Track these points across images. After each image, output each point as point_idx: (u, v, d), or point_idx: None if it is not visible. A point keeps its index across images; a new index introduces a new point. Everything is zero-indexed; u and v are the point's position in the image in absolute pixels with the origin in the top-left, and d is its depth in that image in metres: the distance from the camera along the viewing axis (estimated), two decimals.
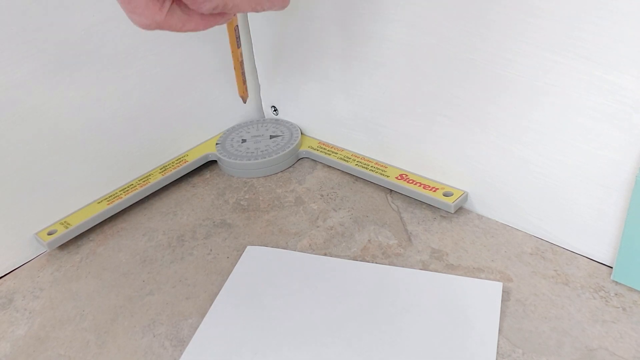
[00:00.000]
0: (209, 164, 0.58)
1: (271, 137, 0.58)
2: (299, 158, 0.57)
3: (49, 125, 0.47)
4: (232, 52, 0.50)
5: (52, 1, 0.44)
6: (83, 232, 0.50)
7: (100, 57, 0.48)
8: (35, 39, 0.44)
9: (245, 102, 0.53)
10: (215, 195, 0.54)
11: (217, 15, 0.33)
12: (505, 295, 0.41)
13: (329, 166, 0.56)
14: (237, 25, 0.49)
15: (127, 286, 0.45)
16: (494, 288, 0.41)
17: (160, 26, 0.31)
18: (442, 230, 0.47)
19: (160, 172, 0.54)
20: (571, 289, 0.41)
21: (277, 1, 0.34)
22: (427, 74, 0.46)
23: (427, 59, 0.45)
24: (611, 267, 0.42)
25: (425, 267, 0.44)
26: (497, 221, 0.47)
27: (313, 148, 0.57)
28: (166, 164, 0.55)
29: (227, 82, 0.58)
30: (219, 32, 0.56)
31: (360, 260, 0.45)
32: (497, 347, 0.37)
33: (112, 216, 0.51)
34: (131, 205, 0.52)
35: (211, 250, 0.47)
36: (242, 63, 0.51)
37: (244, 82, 0.52)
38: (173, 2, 0.31)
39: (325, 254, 0.46)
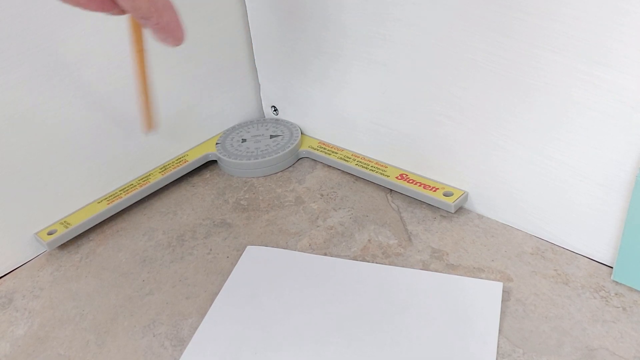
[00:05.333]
0: (209, 164, 0.58)
1: (271, 136, 0.58)
2: (299, 158, 0.57)
3: (49, 125, 0.47)
4: (139, 67, 0.38)
5: (52, 1, 0.44)
6: (83, 232, 0.50)
7: (99, 57, 0.48)
8: (35, 39, 0.44)
9: (152, 132, 0.41)
10: (215, 195, 0.54)
11: (114, 4, 0.31)
12: (506, 295, 0.41)
13: (329, 166, 0.56)
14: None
15: (127, 286, 0.45)
16: (494, 288, 0.41)
17: None
18: (442, 230, 0.47)
19: (160, 172, 0.54)
20: (571, 288, 0.41)
21: (173, 26, 0.32)
22: (427, 74, 0.46)
23: (427, 59, 0.45)
24: (611, 267, 0.42)
25: (425, 267, 0.44)
26: (497, 221, 0.47)
27: (313, 148, 0.57)
28: (166, 164, 0.55)
29: (227, 82, 0.58)
30: (219, 32, 0.56)
31: (360, 260, 0.45)
32: (497, 347, 0.37)
33: (112, 216, 0.51)
34: (131, 205, 0.52)
35: (211, 250, 0.47)
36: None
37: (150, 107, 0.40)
38: None
39: (325, 254, 0.46)
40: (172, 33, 0.32)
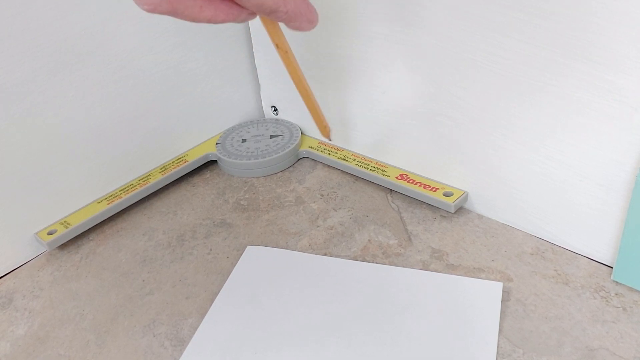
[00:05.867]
0: (209, 164, 0.58)
1: (271, 137, 0.58)
2: (299, 158, 0.57)
3: (49, 125, 0.47)
4: (297, 83, 0.36)
5: (52, 1, 0.44)
6: (83, 232, 0.50)
7: (100, 57, 0.48)
8: (35, 38, 0.44)
9: (330, 138, 0.41)
10: (215, 195, 0.54)
11: (241, 9, 0.29)
12: (506, 295, 0.41)
13: (329, 166, 0.56)
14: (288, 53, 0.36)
15: (127, 286, 0.45)
16: (494, 288, 0.41)
17: (172, 8, 0.26)
18: (442, 230, 0.47)
19: (160, 172, 0.54)
20: (571, 288, 0.41)
21: (302, 9, 0.30)
22: (427, 74, 0.46)
23: (427, 59, 0.45)
24: (611, 267, 0.42)
25: (425, 267, 0.44)
26: (497, 221, 0.47)
27: (313, 148, 0.57)
28: (166, 164, 0.55)
29: (227, 82, 0.58)
30: (219, 31, 0.56)
31: (360, 260, 0.45)
32: (497, 347, 0.37)
33: (112, 216, 0.51)
34: (131, 205, 0.52)
35: (211, 250, 0.47)
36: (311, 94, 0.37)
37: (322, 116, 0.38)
38: None
39: (325, 254, 0.46)
40: (304, 17, 0.31)
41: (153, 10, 0.26)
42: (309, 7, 0.31)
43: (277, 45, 0.35)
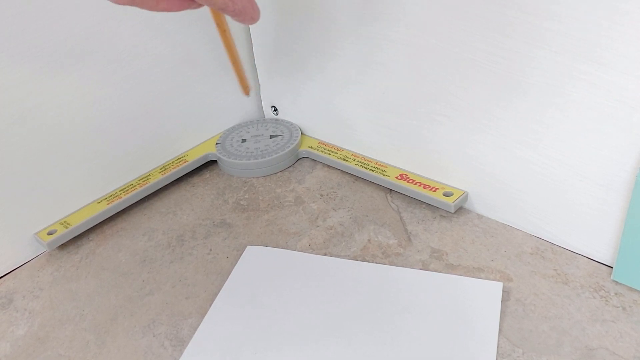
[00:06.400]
0: (209, 164, 0.58)
1: (271, 136, 0.58)
2: (299, 158, 0.57)
3: (49, 125, 0.47)
4: (227, 46, 0.44)
5: (52, 1, 0.44)
6: (83, 232, 0.50)
7: (100, 57, 0.48)
8: (35, 39, 0.44)
9: (248, 95, 0.50)
10: (215, 195, 0.54)
11: (192, 1, 0.33)
12: (505, 295, 0.41)
13: (329, 166, 0.56)
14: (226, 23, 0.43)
15: (126, 286, 0.45)
16: (494, 288, 0.41)
17: (131, 1, 0.31)
18: (442, 230, 0.47)
19: (160, 172, 0.54)
20: (571, 288, 0.41)
21: (248, 9, 0.34)
22: (427, 74, 0.46)
23: (427, 59, 0.45)
24: (611, 267, 0.42)
25: (425, 267, 0.44)
26: (497, 221, 0.47)
27: (313, 148, 0.57)
28: (166, 164, 0.55)
29: (227, 82, 0.58)
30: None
31: (360, 260, 0.45)
32: (497, 346, 0.37)
33: (112, 216, 0.51)
34: (131, 205, 0.52)
35: (211, 250, 0.47)
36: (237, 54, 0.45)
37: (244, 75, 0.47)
38: None
39: (325, 254, 0.46)
40: (247, 15, 0.34)
41: (116, 1, 0.31)
42: (254, 7, 0.34)
43: (217, 25, 0.39)
